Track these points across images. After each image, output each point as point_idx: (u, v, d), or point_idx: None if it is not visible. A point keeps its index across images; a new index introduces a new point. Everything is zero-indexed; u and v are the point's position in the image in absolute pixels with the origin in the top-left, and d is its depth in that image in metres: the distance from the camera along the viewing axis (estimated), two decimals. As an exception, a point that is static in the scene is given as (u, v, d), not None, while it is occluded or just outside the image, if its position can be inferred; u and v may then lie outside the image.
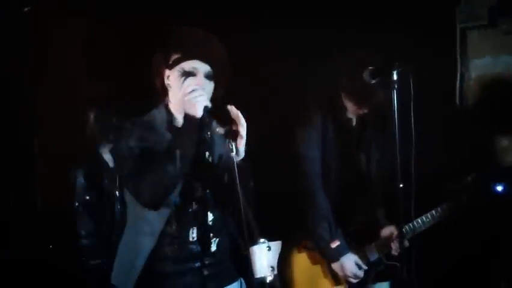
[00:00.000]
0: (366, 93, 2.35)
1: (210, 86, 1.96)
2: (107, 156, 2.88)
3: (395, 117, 1.98)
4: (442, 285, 2.83)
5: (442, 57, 3.05)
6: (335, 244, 2.53)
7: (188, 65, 1.93)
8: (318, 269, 2.64)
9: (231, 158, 1.75)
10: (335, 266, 2.57)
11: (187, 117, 1.87)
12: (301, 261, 2.65)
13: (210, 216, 1.98)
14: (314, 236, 2.57)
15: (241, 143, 1.81)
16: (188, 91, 1.87)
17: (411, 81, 1.98)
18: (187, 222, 1.94)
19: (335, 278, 2.61)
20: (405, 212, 1.99)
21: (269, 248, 3.56)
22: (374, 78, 2.10)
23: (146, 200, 1.85)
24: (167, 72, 1.97)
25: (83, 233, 2.75)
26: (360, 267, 2.57)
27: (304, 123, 2.58)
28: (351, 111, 2.58)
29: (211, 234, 1.98)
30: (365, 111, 2.55)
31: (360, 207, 2.63)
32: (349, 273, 2.55)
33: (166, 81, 1.98)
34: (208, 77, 1.95)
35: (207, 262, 1.95)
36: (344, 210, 2.59)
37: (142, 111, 2.03)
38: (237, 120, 1.80)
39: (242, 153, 1.83)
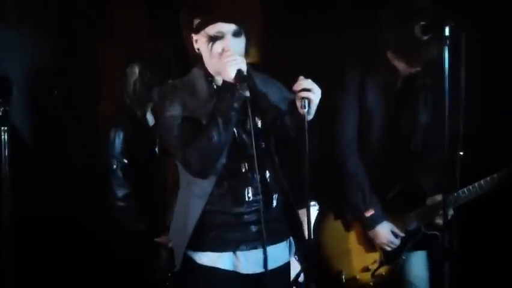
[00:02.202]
0: (418, 48, 2.19)
1: (240, 43, 1.90)
2: (151, 118, 2.83)
3: (445, 77, 1.84)
4: (483, 257, 2.72)
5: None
6: (369, 213, 2.48)
7: (212, 29, 1.86)
8: (353, 235, 2.58)
9: (303, 117, 1.74)
10: (371, 233, 2.51)
11: (223, 83, 1.86)
12: (336, 227, 2.59)
13: (267, 174, 1.95)
14: (348, 204, 2.52)
15: (313, 106, 1.77)
16: (219, 58, 1.83)
17: (463, 38, 1.84)
18: (240, 183, 1.91)
19: (370, 244, 2.55)
20: (451, 181, 1.89)
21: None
22: (425, 34, 1.95)
23: (194, 169, 1.86)
24: (194, 36, 1.91)
25: (119, 194, 2.72)
26: (396, 236, 2.49)
27: (338, 89, 2.47)
28: (402, 70, 2.42)
29: (272, 192, 1.96)
30: (418, 68, 2.39)
31: (402, 173, 2.51)
32: (384, 241, 2.49)
33: (196, 46, 1.92)
34: (236, 34, 1.87)
35: (259, 219, 1.92)
36: (383, 176, 2.50)
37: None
38: (312, 88, 1.76)
39: (312, 114, 1.79)
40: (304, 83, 1.77)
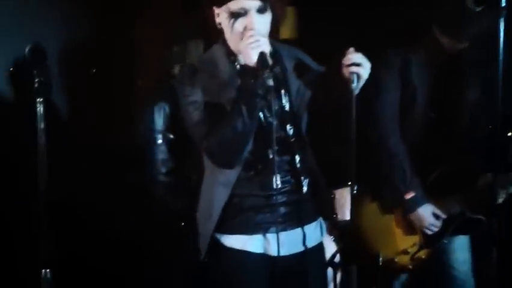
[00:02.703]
0: (468, 21, 2.07)
1: (264, 20, 1.76)
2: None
3: (500, 52, 1.72)
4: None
5: None
6: (409, 195, 2.39)
7: (235, 5, 1.73)
8: (391, 217, 2.50)
9: (351, 93, 1.66)
10: (411, 216, 2.42)
11: (246, 67, 1.73)
12: (374, 209, 2.52)
13: (297, 158, 1.86)
14: (388, 186, 2.43)
15: (362, 81, 1.70)
16: (241, 37, 1.72)
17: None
18: (268, 170, 1.82)
19: (409, 227, 2.46)
20: (501, 163, 1.78)
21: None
22: (478, 5, 1.82)
23: (217, 160, 1.77)
24: (216, 10, 1.79)
25: (163, 170, 2.67)
26: (438, 218, 2.40)
27: (380, 64, 2.33)
28: (448, 45, 2.30)
29: (302, 177, 1.87)
30: (466, 44, 2.27)
31: (446, 154, 2.40)
32: (425, 224, 2.40)
33: (217, 20, 1.80)
34: (261, 11, 1.74)
35: (290, 201, 1.85)
36: (426, 156, 2.40)
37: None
38: (362, 63, 1.68)
39: (359, 89, 1.71)
40: (354, 56, 1.67)
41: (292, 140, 1.84)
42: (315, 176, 1.92)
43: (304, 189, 1.88)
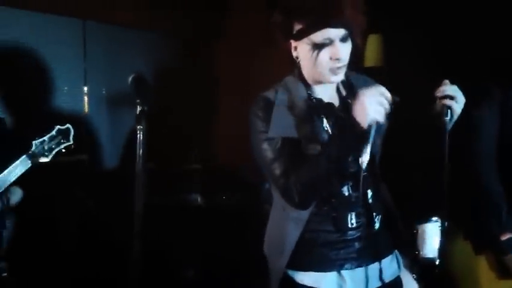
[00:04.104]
0: None
1: (348, 48, 1.70)
2: None
3: None
4: None
5: None
6: (505, 237, 2.26)
7: (318, 37, 1.65)
8: (484, 259, 2.36)
9: (443, 126, 1.62)
10: (506, 259, 2.29)
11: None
12: (465, 249, 2.39)
13: (369, 193, 1.82)
14: (482, 225, 2.31)
15: (455, 116, 1.65)
16: (326, 65, 1.67)
17: None
18: (343, 207, 1.77)
19: (504, 271, 2.32)
20: None
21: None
22: None
23: (296, 203, 1.70)
24: (293, 42, 1.73)
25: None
26: (536, 263, 2.25)
27: (479, 96, 2.27)
28: None
29: (374, 213, 1.82)
30: None
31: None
32: (521, 268, 2.25)
33: (294, 53, 1.74)
34: (344, 39, 1.67)
35: (363, 236, 1.80)
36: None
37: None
38: (456, 96, 1.63)
39: (451, 124, 1.66)
40: (448, 89, 1.62)
41: (365, 174, 1.76)
42: (389, 211, 1.87)
43: (377, 225, 1.83)
